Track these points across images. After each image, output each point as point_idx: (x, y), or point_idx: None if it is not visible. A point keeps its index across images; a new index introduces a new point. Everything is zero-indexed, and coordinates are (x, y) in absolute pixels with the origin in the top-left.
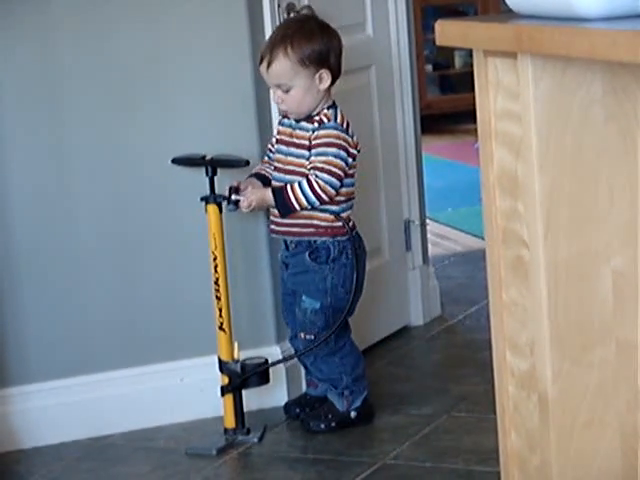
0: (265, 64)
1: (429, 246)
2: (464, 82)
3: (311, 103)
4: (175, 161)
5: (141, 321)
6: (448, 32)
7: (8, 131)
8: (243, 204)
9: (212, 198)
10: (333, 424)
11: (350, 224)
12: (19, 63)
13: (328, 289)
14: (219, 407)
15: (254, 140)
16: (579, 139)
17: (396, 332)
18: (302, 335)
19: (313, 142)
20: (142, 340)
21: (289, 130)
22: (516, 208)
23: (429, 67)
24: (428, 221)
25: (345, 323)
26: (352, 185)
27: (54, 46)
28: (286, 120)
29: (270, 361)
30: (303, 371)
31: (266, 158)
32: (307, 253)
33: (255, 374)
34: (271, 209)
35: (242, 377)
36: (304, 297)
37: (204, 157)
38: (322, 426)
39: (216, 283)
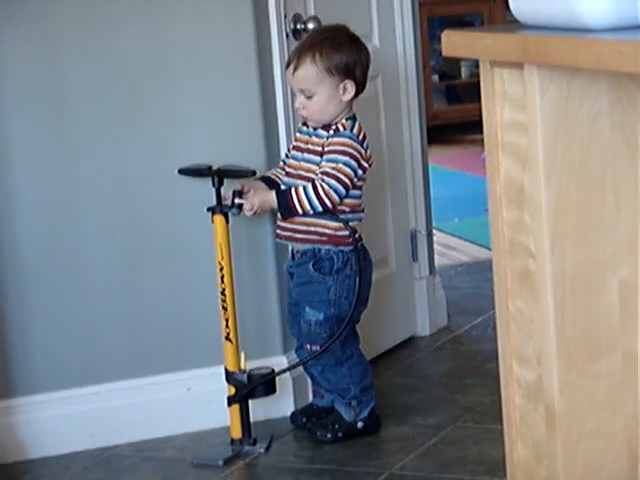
0: (292, 68)
1: (436, 256)
2: (470, 92)
3: (332, 112)
4: (182, 172)
5: (148, 331)
6: (454, 43)
7: (14, 143)
8: (246, 207)
9: (219, 208)
10: (340, 434)
11: (356, 235)
12: (24, 77)
13: (332, 300)
14: (226, 417)
15: (261, 151)
16: (585, 149)
17: (402, 342)
18: (308, 346)
19: (326, 148)
20: (149, 350)
21: (306, 137)
22: (523, 219)
23: (435, 77)
24: (435, 231)
25: (354, 333)
26: (358, 197)
27: (59, 60)
28: (305, 128)
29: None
30: (309, 381)
31: (281, 163)
32: (311, 263)
33: (261, 384)
34: (278, 214)
35: (249, 387)
36: (307, 309)
37: (210, 168)
38: (329, 436)
39: (222, 293)
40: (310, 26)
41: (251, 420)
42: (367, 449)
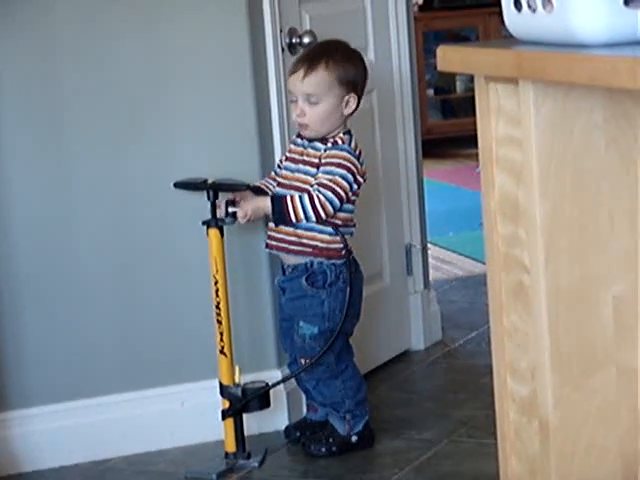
0: (301, 73)
1: (430, 270)
2: (465, 107)
3: (331, 125)
4: (177, 185)
5: (142, 345)
6: (450, 58)
7: (9, 154)
8: (239, 214)
9: (213, 222)
10: (334, 448)
11: (348, 248)
12: (18, 89)
13: (325, 314)
14: (220, 431)
15: (255, 164)
16: (580, 165)
17: (397, 356)
18: (302, 361)
19: (323, 160)
20: (143, 364)
21: (300, 149)
22: (517, 234)
23: (430, 92)
24: (429, 245)
25: (347, 346)
26: (351, 212)
27: (54, 70)
28: (299, 140)
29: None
30: (303, 395)
31: (272, 173)
32: (304, 277)
33: (256, 398)
34: (269, 224)
35: (243, 401)
36: (301, 323)
37: (206, 181)
38: (323, 450)
39: (217, 307)
40: (306, 40)
41: (245, 434)
42: (361, 463)
